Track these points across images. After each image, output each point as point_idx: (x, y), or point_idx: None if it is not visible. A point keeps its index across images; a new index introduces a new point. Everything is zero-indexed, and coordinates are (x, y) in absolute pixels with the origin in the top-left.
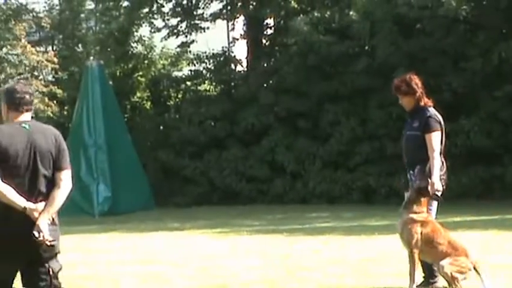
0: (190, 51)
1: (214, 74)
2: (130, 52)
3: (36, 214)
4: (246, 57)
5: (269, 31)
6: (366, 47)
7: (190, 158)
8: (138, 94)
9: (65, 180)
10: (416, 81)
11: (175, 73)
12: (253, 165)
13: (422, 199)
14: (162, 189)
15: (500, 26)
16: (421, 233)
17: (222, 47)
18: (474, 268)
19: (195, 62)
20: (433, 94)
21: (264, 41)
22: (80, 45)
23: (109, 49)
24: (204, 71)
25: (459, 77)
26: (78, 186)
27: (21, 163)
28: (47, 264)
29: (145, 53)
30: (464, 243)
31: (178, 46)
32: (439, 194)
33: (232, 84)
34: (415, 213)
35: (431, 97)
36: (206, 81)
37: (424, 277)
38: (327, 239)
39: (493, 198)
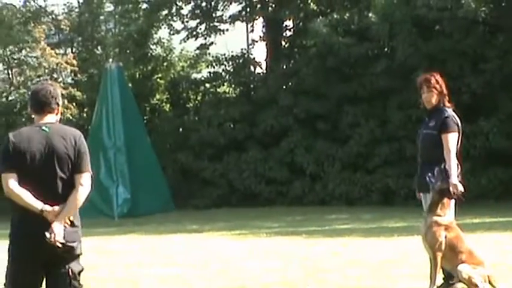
0: (209, 53)
1: (234, 76)
2: (149, 54)
3: (53, 217)
4: (265, 59)
5: (288, 33)
6: (385, 49)
7: (209, 160)
8: (157, 96)
9: (84, 183)
10: (442, 81)
11: (194, 75)
12: (273, 167)
13: (445, 200)
14: (181, 191)
15: None
16: (446, 237)
17: (241, 49)
18: (489, 281)
19: (214, 64)
20: (452, 95)
21: (283, 42)
22: (99, 48)
23: (128, 51)
24: (223, 73)
25: (478, 78)
26: (97, 189)
27: (38, 166)
28: (67, 266)
29: (164, 55)
30: (482, 255)
31: (197, 48)
32: (461, 194)
33: (252, 86)
34: (439, 216)
35: (451, 98)
36: (225, 83)
37: (443, 279)
38: (346, 241)
39: None
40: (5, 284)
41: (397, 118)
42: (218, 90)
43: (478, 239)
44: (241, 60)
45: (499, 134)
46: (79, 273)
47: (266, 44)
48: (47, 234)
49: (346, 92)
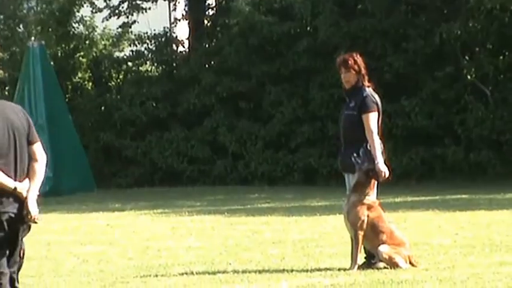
0: (131, 32)
1: (156, 55)
2: (71, 32)
3: (25, 192)
4: (188, 38)
5: (211, 12)
6: (308, 28)
7: (131, 139)
8: (80, 75)
9: (40, 153)
10: (361, 60)
11: (117, 54)
12: (195, 146)
13: (372, 181)
14: (104, 170)
15: (442, 7)
16: (368, 216)
17: (164, 28)
18: (410, 261)
19: (136, 42)
20: (375, 75)
21: (205, 21)
22: (21, 26)
23: (50, 29)
24: (145, 52)
25: (400, 57)
26: None
27: (3, 143)
28: (21, 245)
29: (87, 33)
30: (403, 236)
31: (120, 26)
32: (386, 175)
33: (174, 65)
34: (363, 195)
35: (373, 78)
36: (147, 62)
37: (365, 258)
38: (268, 220)
39: (434, 178)
40: None
41: (319, 97)
42: (140, 68)
43: (400, 218)
44: (163, 39)
45: (421, 113)
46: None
47: (188, 23)
48: (27, 212)
49: (268, 71)
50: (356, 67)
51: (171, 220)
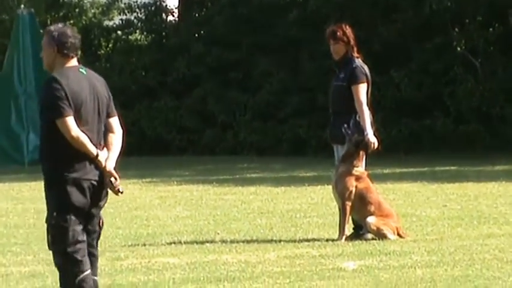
0: (121, 1)
1: (145, 24)
2: (61, 0)
3: (103, 162)
4: (178, 7)
5: None
6: None
7: (121, 108)
8: None
9: (117, 125)
10: (350, 31)
11: (106, 22)
12: (184, 116)
13: (361, 152)
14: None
15: None
16: (356, 187)
17: None
18: (398, 233)
19: (126, 11)
20: (364, 45)
21: None
22: None
23: None
24: (135, 21)
25: (390, 28)
26: (8, 135)
27: (89, 110)
28: (99, 215)
29: (76, 1)
30: (391, 207)
31: None
32: (375, 146)
33: (164, 34)
34: (352, 166)
35: (362, 48)
36: (137, 31)
37: (353, 228)
38: (256, 190)
39: (422, 150)
40: (51, 236)
41: (308, 68)
42: (130, 37)
43: (388, 190)
44: (153, 8)
45: (410, 84)
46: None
47: None
48: (113, 180)
49: (258, 41)
50: (345, 38)
51: (160, 189)
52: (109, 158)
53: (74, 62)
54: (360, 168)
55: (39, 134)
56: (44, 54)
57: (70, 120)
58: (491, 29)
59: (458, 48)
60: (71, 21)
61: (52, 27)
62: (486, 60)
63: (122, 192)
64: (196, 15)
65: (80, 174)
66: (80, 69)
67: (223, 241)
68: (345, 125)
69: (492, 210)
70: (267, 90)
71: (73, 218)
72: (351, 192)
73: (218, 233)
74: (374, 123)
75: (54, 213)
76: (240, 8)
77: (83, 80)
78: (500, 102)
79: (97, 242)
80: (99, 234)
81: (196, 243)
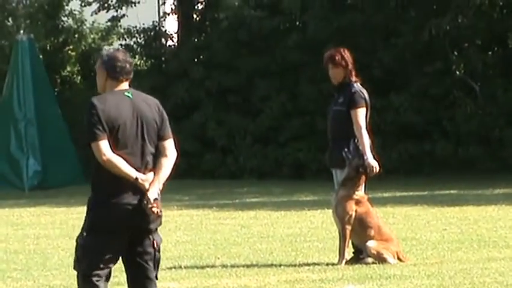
0: (120, 26)
1: (145, 49)
2: (60, 26)
3: (147, 185)
4: (177, 32)
5: (200, 6)
6: (297, 22)
7: None
8: (69, 68)
9: (171, 148)
10: (348, 55)
11: (106, 47)
12: (184, 140)
13: (361, 177)
14: (92, 164)
15: (432, 3)
16: (356, 211)
17: (153, 22)
18: (398, 257)
19: (125, 36)
20: (364, 70)
21: (194, 16)
22: (10, 19)
23: (39, 23)
24: (134, 46)
25: (390, 53)
26: (8, 160)
27: (130, 133)
28: (151, 236)
29: (76, 27)
30: (391, 231)
31: (109, 20)
32: (376, 170)
33: (163, 59)
34: (352, 190)
35: (362, 73)
36: (136, 56)
37: (353, 253)
38: (256, 215)
39: (422, 174)
40: (77, 255)
41: (308, 92)
42: None
43: (388, 213)
44: (152, 33)
45: (410, 109)
46: (160, 244)
47: (178, 17)
48: (146, 204)
49: (257, 66)
50: (343, 63)
51: None
52: (154, 181)
53: (124, 86)
54: (360, 192)
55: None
56: (97, 77)
57: (102, 144)
58: (490, 53)
59: (458, 72)
60: (71, 47)
61: (105, 52)
62: (485, 83)
63: (159, 216)
64: (196, 40)
65: (117, 198)
66: (126, 93)
67: (223, 266)
68: (345, 149)
69: (492, 233)
70: (266, 114)
71: (103, 241)
72: (351, 216)
73: (218, 258)
74: (373, 147)
75: (84, 233)
76: (240, 32)
77: (126, 104)
78: (499, 126)
79: (155, 265)
80: (155, 255)
81: (197, 267)
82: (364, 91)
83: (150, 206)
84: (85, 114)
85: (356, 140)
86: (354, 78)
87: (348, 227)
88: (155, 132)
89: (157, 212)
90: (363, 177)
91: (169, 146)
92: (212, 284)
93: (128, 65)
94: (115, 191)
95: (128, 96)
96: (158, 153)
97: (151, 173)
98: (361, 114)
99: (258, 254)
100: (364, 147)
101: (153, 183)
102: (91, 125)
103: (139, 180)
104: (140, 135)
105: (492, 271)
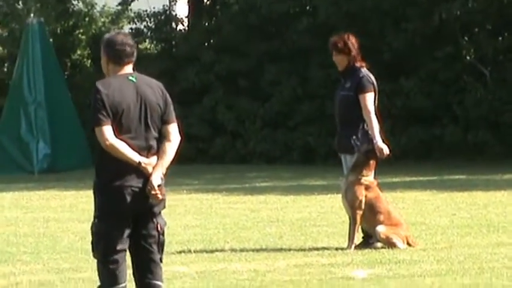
0: (131, 10)
1: (155, 33)
2: (70, 9)
3: (150, 168)
4: (187, 16)
5: None
6: (308, 7)
7: None
8: (79, 52)
9: (174, 133)
10: (353, 41)
11: (116, 31)
12: (194, 124)
13: (371, 162)
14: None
15: None
16: (366, 196)
17: (163, 6)
18: (407, 242)
19: (135, 20)
20: (374, 55)
21: (205, 0)
22: (20, 2)
23: (49, 6)
24: (144, 30)
25: (399, 37)
26: (17, 144)
27: (133, 118)
28: (155, 220)
29: (86, 10)
30: (400, 216)
31: (119, 4)
32: (386, 153)
33: (173, 43)
34: (362, 176)
35: (372, 57)
36: (147, 40)
37: (363, 237)
38: (265, 199)
39: (431, 158)
40: (92, 243)
41: (318, 77)
42: (139, 46)
43: (397, 198)
44: (163, 17)
45: (419, 93)
46: (164, 227)
47: (188, 1)
48: (149, 188)
49: (267, 50)
50: (346, 49)
51: (169, 198)
52: (157, 165)
53: (127, 69)
54: (370, 177)
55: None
56: (101, 62)
57: (106, 129)
58: (500, 38)
59: (468, 57)
60: (81, 31)
61: (106, 35)
62: (495, 68)
63: (163, 200)
64: (206, 24)
65: (120, 181)
66: (130, 77)
67: (232, 250)
68: (354, 137)
69: (501, 218)
70: (276, 98)
71: (113, 225)
72: (361, 201)
73: (228, 242)
74: (382, 131)
75: (96, 220)
76: (250, 16)
77: (129, 88)
78: (509, 111)
79: (159, 248)
80: (159, 239)
81: (206, 252)
82: (372, 76)
83: (153, 191)
84: (91, 99)
85: (365, 125)
86: (359, 64)
87: (359, 212)
88: (159, 116)
89: (159, 197)
90: (373, 163)
91: (173, 131)
92: (221, 268)
93: (127, 48)
94: (118, 175)
95: (132, 81)
96: (162, 138)
97: (155, 157)
98: (369, 99)
99: (268, 238)
100: (374, 132)
101: (156, 168)
102: (95, 110)
103: (143, 164)
104: (144, 120)
105: (501, 256)
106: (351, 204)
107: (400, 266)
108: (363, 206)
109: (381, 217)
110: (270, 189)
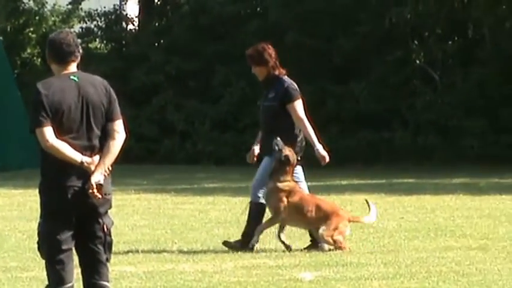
0: (81, 9)
1: (105, 32)
2: (21, 8)
3: (93, 167)
4: (138, 16)
5: None
6: (258, 9)
7: None
8: (29, 50)
9: (119, 130)
10: (269, 52)
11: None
12: (143, 124)
13: (287, 168)
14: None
15: None
16: (289, 202)
17: (114, 5)
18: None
19: (86, 19)
20: (324, 57)
21: (155, 0)
22: None
23: None
24: (95, 29)
25: (350, 40)
26: None
27: (75, 118)
28: (101, 220)
29: (37, 9)
30: (332, 204)
31: (70, 3)
32: (326, 161)
33: (123, 42)
34: (280, 182)
35: (322, 60)
36: (97, 39)
37: (311, 240)
38: (214, 200)
39: (380, 162)
40: (38, 243)
41: None
42: (90, 45)
43: (345, 201)
44: (113, 17)
45: (369, 96)
46: (111, 227)
47: (138, 1)
48: (89, 187)
49: (218, 51)
50: (263, 61)
51: (117, 198)
52: (99, 164)
53: (71, 68)
54: (288, 182)
55: None
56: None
57: (46, 130)
58: (450, 42)
59: (417, 61)
60: (31, 29)
61: (50, 35)
62: (445, 73)
63: (99, 198)
64: (157, 24)
65: (63, 181)
66: (72, 77)
67: (180, 251)
68: (278, 138)
69: (449, 222)
70: (226, 99)
71: (57, 225)
72: (280, 207)
73: (175, 243)
74: (319, 136)
75: (40, 220)
76: (201, 17)
77: (71, 88)
78: (458, 115)
79: (105, 248)
80: (105, 239)
81: (154, 252)
82: (294, 83)
83: (90, 190)
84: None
85: (289, 134)
86: (278, 72)
87: (281, 216)
88: (102, 114)
89: (97, 195)
90: (289, 168)
91: (118, 128)
92: (169, 269)
93: (67, 47)
94: (61, 174)
95: (74, 80)
96: (106, 135)
97: (98, 156)
98: (299, 107)
99: (215, 239)
100: (311, 138)
101: (98, 166)
102: (35, 111)
103: (85, 164)
104: (86, 119)
105: (449, 260)
106: (274, 210)
107: (348, 268)
108: (283, 214)
109: (313, 215)
110: (218, 190)
